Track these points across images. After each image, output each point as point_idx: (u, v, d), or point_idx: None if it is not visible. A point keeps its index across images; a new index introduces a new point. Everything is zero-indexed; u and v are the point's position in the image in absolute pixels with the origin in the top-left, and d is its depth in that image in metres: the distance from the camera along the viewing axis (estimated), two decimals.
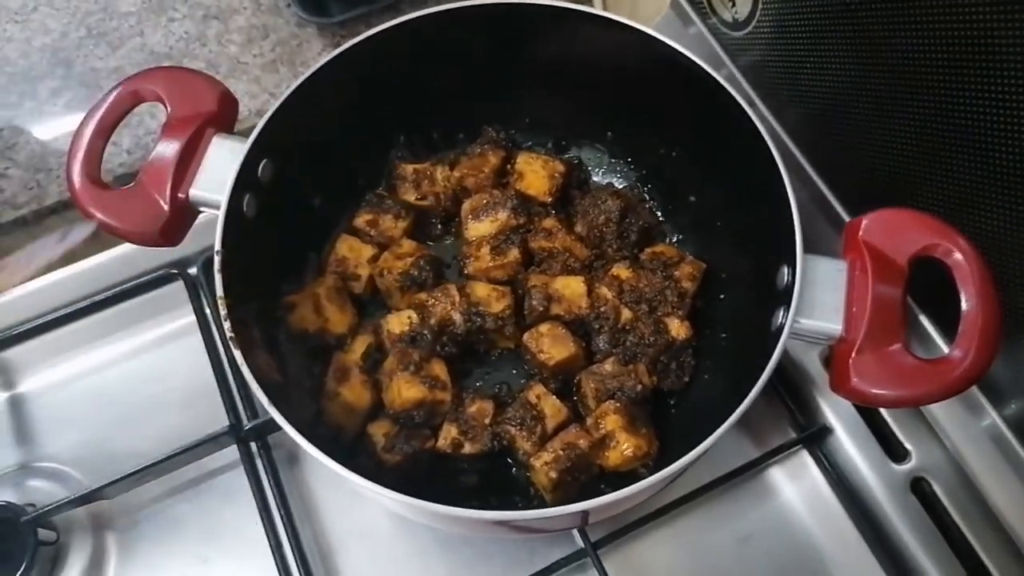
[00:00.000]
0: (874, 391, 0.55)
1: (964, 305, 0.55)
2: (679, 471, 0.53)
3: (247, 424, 0.72)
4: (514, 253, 0.71)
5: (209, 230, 0.76)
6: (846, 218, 0.73)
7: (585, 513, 0.54)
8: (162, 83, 0.62)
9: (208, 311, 0.79)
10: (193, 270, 0.80)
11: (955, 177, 0.65)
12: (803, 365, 0.77)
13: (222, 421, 0.73)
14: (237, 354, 0.54)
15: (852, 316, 0.56)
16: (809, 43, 0.74)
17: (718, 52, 0.84)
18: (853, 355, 0.55)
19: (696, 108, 0.67)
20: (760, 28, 0.77)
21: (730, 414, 0.54)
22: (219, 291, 0.56)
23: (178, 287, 0.80)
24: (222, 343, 0.77)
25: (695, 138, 0.71)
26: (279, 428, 0.70)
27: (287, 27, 1.03)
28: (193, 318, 0.78)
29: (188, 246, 0.80)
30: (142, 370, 0.79)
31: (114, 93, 0.61)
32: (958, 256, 0.56)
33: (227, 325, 0.55)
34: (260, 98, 0.98)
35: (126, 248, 0.82)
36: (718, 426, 0.53)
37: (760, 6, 0.76)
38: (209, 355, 0.76)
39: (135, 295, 0.80)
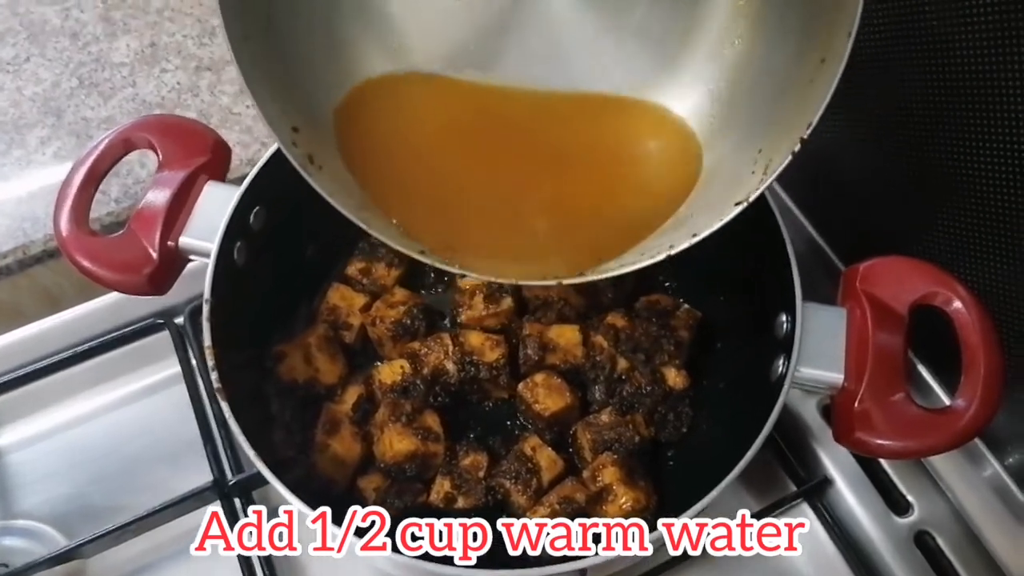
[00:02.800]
0: (878, 442, 0.54)
1: (966, 354, 0.54)
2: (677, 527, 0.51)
3: (231, 479, 0.70)
4: (507, 302, 0.70)
5: (197, 279, 0.75)
6: (842, 268, 0.73)
7: (583, 572, 0.52)
8: (154, 130, 0.61)
9: (194, 362, 0.77)
10: (180, 320, 0.79)
11: (949, 228, 0.66)
12: (801, 416, 0.76)
13: (207, 476, 0.70)
14: (224, 407, 0.53)
15: (853, 365, 0.56)
16: None
17: None
18: (856, 405, 0.55)
19: None
20: None
21: (729, 465, 0.52)
22: (207, 341, 0.55)
23: (163, 337, 0.78)
24: (207, 395, 0.75)
25: None
26: (264, 483, 0.68)
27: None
28: (178, 369, 0.77)
29: (175, 295, 0.79)
30: (124, 423, 0.77)
31: (106, 140, 0.60)
32: (958, 304, 0.56)
33: (214, 376, 0.54)
34: (252, 147, 0.98)
35: (110, 298, 0.81)
36: (718, 478, 0.52)
37: None
38: (194, 407, 0.74)
39: (119, 345, 0.78)
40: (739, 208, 0.48)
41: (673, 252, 0.49)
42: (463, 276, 0.58)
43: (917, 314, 0.58)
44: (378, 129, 0.53)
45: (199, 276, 0.77)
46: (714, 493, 0.52)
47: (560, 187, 0.53)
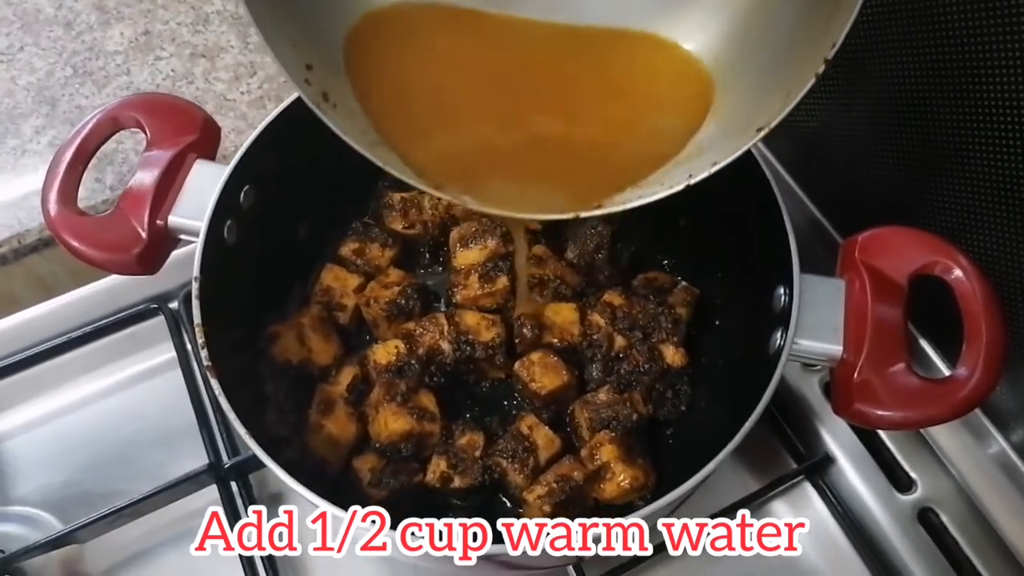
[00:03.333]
0: (878, 413, 0.53)
1: (967, 323, 0.53)
2: (678, 499, 0.51)
3: (227, 462, 0.69)
4: (503, 280, 0.69)
5: (191, 263, 0.75)
6: (840, 241, 0.72)
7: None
8: (142, 109, 0.61)
9: (189, 346, 0.76)
10: (174, 304, 0.78)
11: (947, 199, 0.65)
12: (802, 394, 0.75)
13: (203, 461, 0.70)
14: (215, 384, 0.52)
15: (852, 336, 0.55)
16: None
17: None
18: (855, 376, 0.54)
19: None
20: None
21: (729, 440, 0.51)
22: (196, 319, 0.54)
23: (158, 322, 0.78)
24: (203, 379, 0.74)
25: None
26: (260, 466, 0.68)
27: (274, 64, 1.02)
28: (173, 354, 0.76)
29: (169, 280, 0.79)
30: (119, 409, 0.77)
31: (93, 120, 0.60)
32: (959, 273, 0.55)
33: (204, 354, 0.53)
34: (246, 134, 0.95)
35: (105, 283, 0.81)
36: (717, 454, 0.51)
37: None
38: (189, 392, 0.74)
39: (114, 331, 0.78)
40: (761, 134, 0.46)
41: (693, 181, 0.48)
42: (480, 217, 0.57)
43: (917, 285, 0.57)
44: (389, 60, 0.52)
45: (192, 260, 0.77)
46: (715, 462, 0.51)
47: (574, 118, 0.53)
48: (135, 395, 0.78)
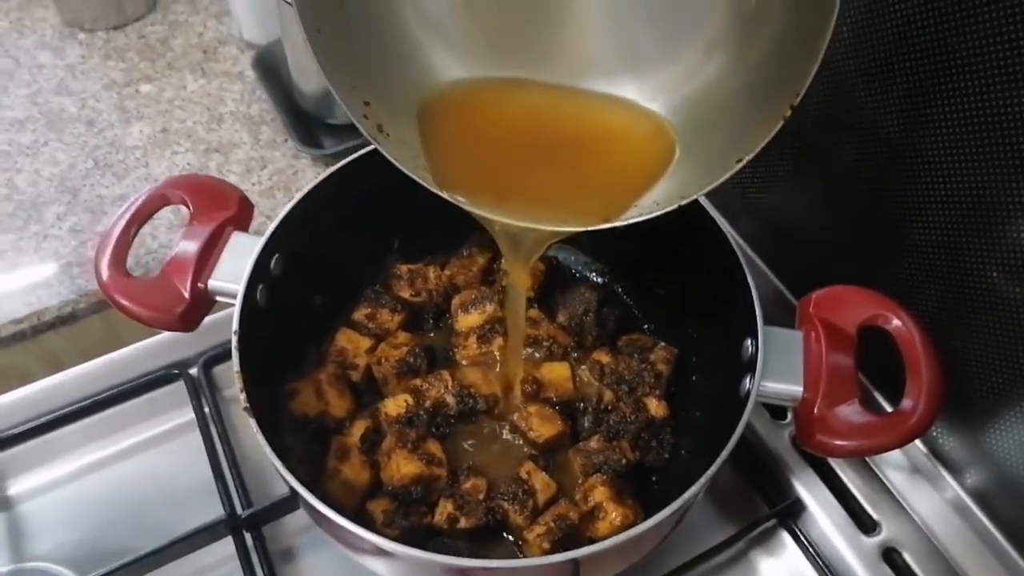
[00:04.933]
0: (837, 443, 0.61)
1: (908, 364, 0.62)
2: (668, 516, 0.57)
3: (243, 513, 0.74)
4: (498, 341, 0.77)
5: (210, 331, 0.82)
6: (795, 301, 0.81)
7: (575, 564, 0.57)
8: (187, 188, 0.69)
9: (207, 409, 0.82)
10: (194, 370, 0.84)
11: (890, 264, 0.75)
12: (773, 446, 0.82)
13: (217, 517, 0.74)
14: (252, 423, 0.58)
15: (811, 378, 0.63)
16: (754, 157, 0.85)
17: None
18: (815, 412, 0.62)
19: (663, 217, 0.75)
20: None
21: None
22: (236, 366, 0.61)
23: (177, 387, 0.83)
24: (219, 437, 0.79)
25: (661, 241, 0.79)
26: (275, 517, 0.73)
27: (284, 159, 1.12)
28: (190, 417, 0.81)
29: (188, 347, 0.86)
30: (137, 470, 0.81)
31: (144, 195, 0.68)
32: (898, 323, 0.64)
33: (243, 397, 0.60)
34: (258, 220, 1.05)
35: (125, 351, 0.86)
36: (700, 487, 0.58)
37: None
38: (207, 450, 0.79)
39: (135, 396, 0.83)
40: (739, 164, 0.53)
41: (684, 202, 0.55)
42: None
43: (864, 336, 0.66)
44: (447, 116, 0.63)
45: (212, 329, 0.83)
46: (687, 495, 0.58)
47: (575, 158, 0.63)
48: (151, 457, 0.82)
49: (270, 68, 1.17)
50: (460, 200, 0.58)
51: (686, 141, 0.59)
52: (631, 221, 0.56)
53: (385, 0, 0.59)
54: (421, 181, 0.57)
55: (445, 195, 0.58)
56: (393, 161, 0.56)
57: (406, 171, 0.56)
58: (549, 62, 0.63)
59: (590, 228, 0.57)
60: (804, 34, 0.50)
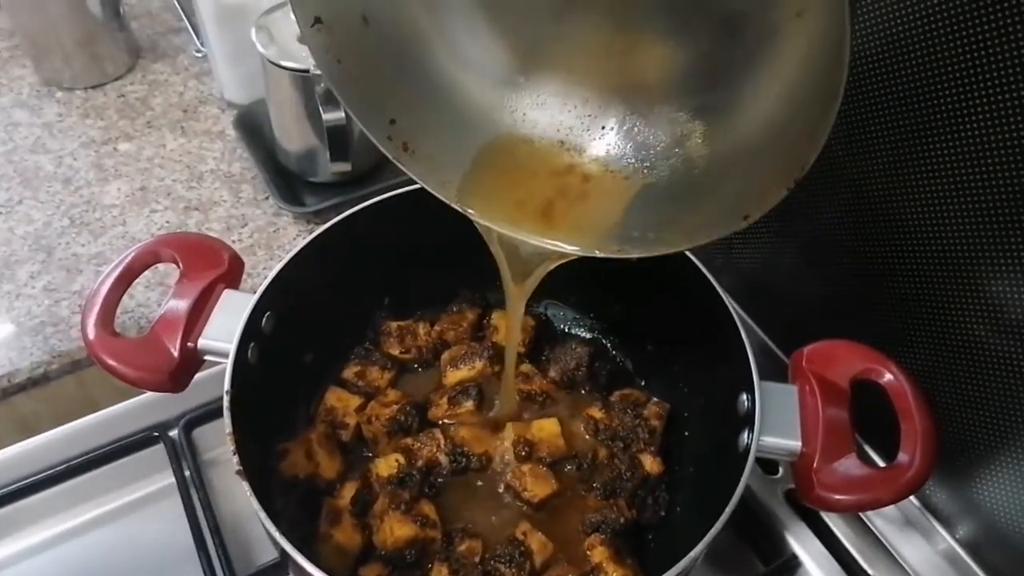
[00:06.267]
0: (837, 497, 0.61)
1: (902, 417, 0.63)
2: None
3: None
4: (468, 404, 0.76)
5: (191, 392, 0.79)
6: (784, 358, 0.82)
7: None
8: (177, 246, 0.68)
9: (187, 472, 0.79)
10: (174, 432, 0.82)
11: (875, 318, 0.76)
12: (767, 502, 0.81)
13: None
14: (245, 486, 0.57)
15: (808, 432, 0.63)
16: None
17: None
18: (814, 466, 0.62)
19: (651, 272, 0.76)
20: None
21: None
22: (227, 428, 0.59)
23: (157, 451, 0.81)
24: (201, 504, 0.77)
25: (650, 296, 0.80)
26: None
27: (264, 216, 1.11)
28: (171, 481, 0.79)
29: (168, 409, 0.83)
30: (114, 537, 0.78)
31: (133, 252, 0.66)
32: (890, 377, 0.65)
33: (235, 459, 0.58)
34: (247, 291, 1.04)
35: (102, 413, 0.84)
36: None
37: None
38: (188, 517, 0.76)
39: (112, 460, 0.80)
40: (746, 222, 0.54)
41: (668, 251, 0.58)
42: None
43: (856, 389, 0.66)
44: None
45: (191, 391, 0.81)
46: (693, 553, 0.57)
47: (578, 196, 0.65)
48: (129, 524, 0.79)
49: (252, 127, 1.17)
50: (471, 212, 0.61)
51: (682, 195, 0.60)
52: (617, 256, 0.59)
53: (412, 28, 0.61)
54: (438, 194, 0.60)
55: (457, 206, 0.61)
56: (416, 179, 0.59)
57: (429, 188, 0.59)
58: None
59: (585, 252, 0.60)
60: (805, 122, 0.51)
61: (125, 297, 0.97)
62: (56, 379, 0.96)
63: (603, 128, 0.63)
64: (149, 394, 0.85)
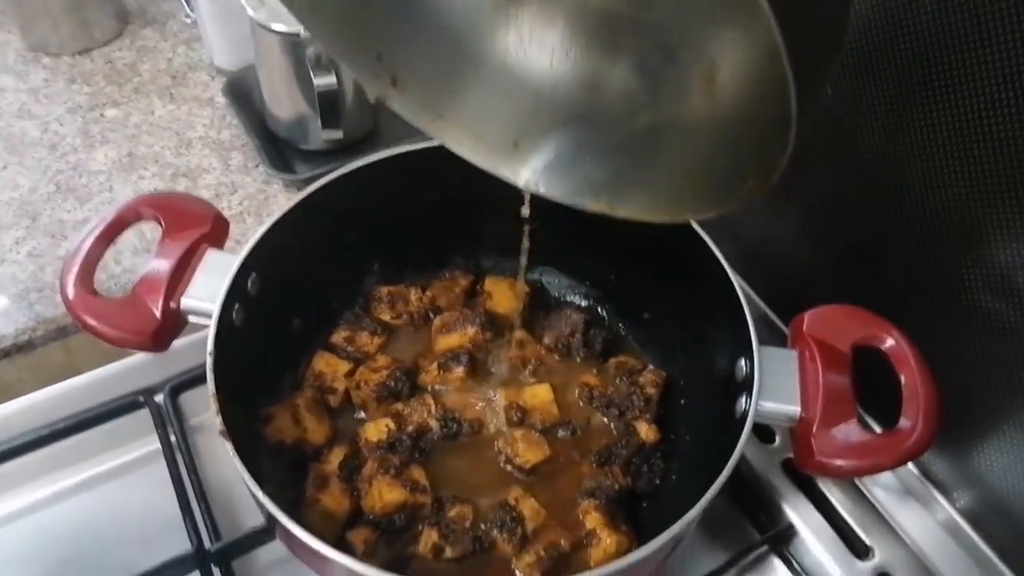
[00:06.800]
0: (836, 463, 0.59)
1: (904, 382, 0.61)
2: (666, 542, 0.55)
3: (211, 547, 0.69)
4: (459, 371, 0.75)
5: (178, 357, 0.78)
6: (785, 330, 0.80)
7: None
8: (159, 205, 0.66)
9: (174, 438, 0.78)
10: (159, 397, 0.80)
11: (873, 286, 0.74)
12: (763, 471, 0.80)
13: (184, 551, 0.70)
14: (228, 446, 0.55)
15: (808, 397, 0.62)
16: None
17: None
18: (814, 432, 0.60)
19: (649, 237, 0.75)
20: None
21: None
22: (211, 389, 0.58)
23: (142, 416, 0.79)
24: (187, 468, 0.75)
25: (647, 262, 0.78)
26: (247, 551, 0.70)
27: (254, 184, 1.09)
28: (156, 447, 0.77)
29: (154, 373, 0.82)
30: (98, 503, 0.76)
31: (115, 211, 0.64)
32: (892, 342, 0.63)
33: (218, 420, 0.56)
34: (228, 245, 1.02)
35: (85, 377, 0.82)
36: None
37: None
38: (173, 482, 0.74)
39: (96, 424, 0.78)
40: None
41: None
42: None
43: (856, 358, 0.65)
44: None
45: (178, 355, 0.80)
46: (687, 518, 0.56)
47: None
48: (113, 489, 0.77)
49: (241, 94, 1.15)
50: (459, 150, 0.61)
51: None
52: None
53: None
54: (427, 130, 0.59)
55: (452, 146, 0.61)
56: (406, 116, 0.58)
57: (419, 124, 0.58)
58: None
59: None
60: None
61: (112, 263, 0.97)
62: (42, 346, 0.94)
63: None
64: (134, 358, 0.83)
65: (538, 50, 0.62)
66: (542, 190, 0.62)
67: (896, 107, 0.65)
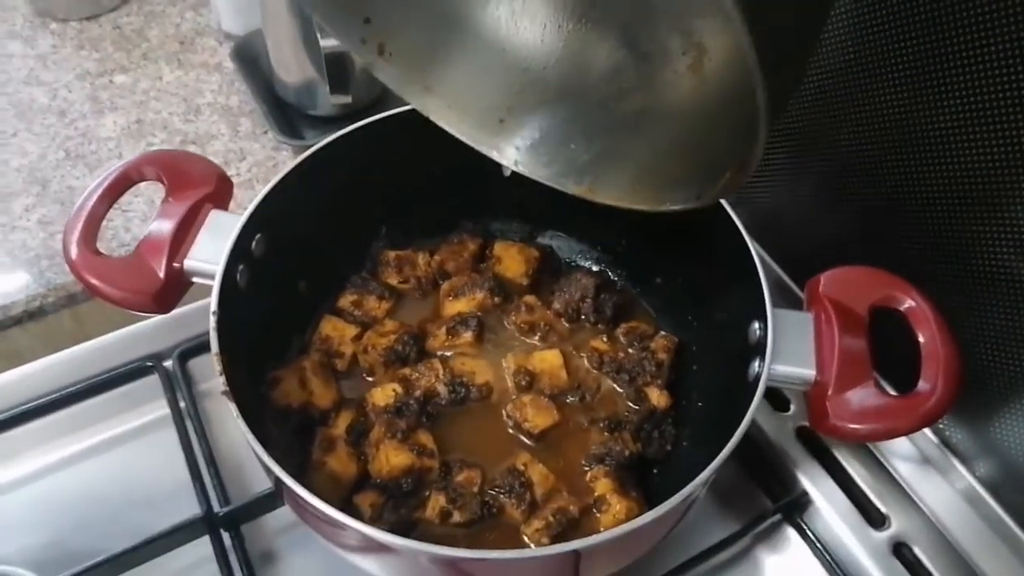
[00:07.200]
0: (851, 426, 0.58)
1: (924, 343, 0.59)
2: (675, 507, 0.54)
3: (220, 511, 0.69)
4: (467, 336, 0.74)
5: (187, 322, 0.78)
6: (800, 294, 0.79)
7: (576, 556, 0.53)
8: (162, 164, 0.65)
9: (183, 403, 0.77)
10: (169, 363, 0.80)
11: (888, 250, 0.72)
12: (778, 440, 0.79)
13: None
14: (232, 408, 0.54)
15: (823, 360, 0.60)
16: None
17: None
18: (829, 395, 0.59)
19: None
20: None
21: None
22: (214, 348, 0.57)
23: (151, 381, 0.79)
24: (196, 432, 0.75)
25: (659, 225, 0.76)
26: (256, 515, 0.69)
27: (263, 151, 1.08)
28: (165, 412, 0.77)
29: (163, 339, 0.82)
30: (108, 467, 0.76)
31: (117, 171, 0.63)
32: (911, 303, 0.61)
33: (221, 380, 0.56)
34: (236, 212, 1.02)
35: (95, 342, 0.82)
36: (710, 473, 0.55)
37: None
38: (183, 447, 0.74)
39: (106, 389, 0.78)
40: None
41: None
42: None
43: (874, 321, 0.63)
44: None
45: (187, 320, 0.79)
46: (697, 481, 0.55)
47: None
48: (123, 454, 0.77)
49: (249, 59, 1.13)
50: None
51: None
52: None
53: None
54: (413, 101, 0.58)
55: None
56: (393, 87, 0.57)
57: (403, 94, 0.57)
58: None
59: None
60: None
61: (122, 231, 0.97)
62: (52, 312, 0.94)
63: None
64: (143, 324, 0.83)
65: (530, 23, 0.60)
66: (524, 170, 0.61)
67: (915, 64, 0.62)
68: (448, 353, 0.74)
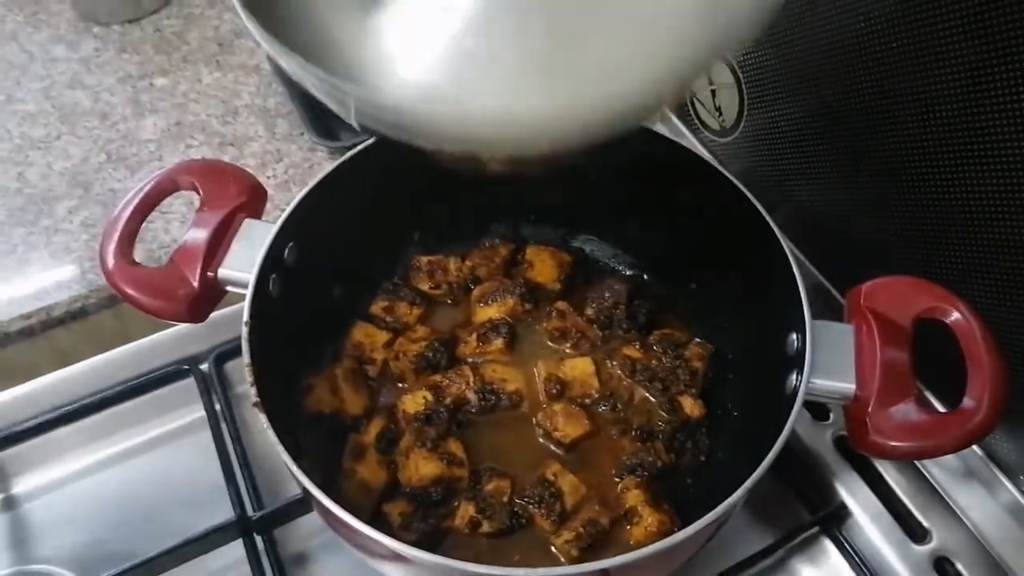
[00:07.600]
0: (893, 444, 0.56)
1: (970, 359, 0.57)
2: (710, 523, 0.53)
3: (254, 515, 0.70)
4: (498, 343, 0.73)
5: (223, 325, 0.78)
6: (840, 298, 0.76)
7: (606, 574, 0.52)
8: (197, 173, 0.66)
9: (218, 406, 0.78)
10: (205, 366, 0.81)
11: (935, 260, 0.69)
12: (816, 449, 0.77)
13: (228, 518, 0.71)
14: (263, 418, 0.55)
15: (864, 374, 0.58)
16: (794, 145, 0.80)
17: (708, 159, 0.90)
18: (869, 411, 0.57)
19: (696, 204, 0.71)
20: (746, 134, 0.84)
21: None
22: (246, 359, 0.57)
23: (188, 384, 0.80)
24: (231, 436, 0.76)
25: (695, 230, 0.75)
26: (288, 520, 0.70)
27: (300, 152, 1.09)
28: (200, 415, 0.78)
29: (200, 342, 0.82)
30: (145, 469, 0.78)
31: (152, 181, 0.64)
32: (957, 315, 0.59)
33: (253, 391, 0.56)
34: (273, 214, 1.02)
35: (133, 345, 0.83)
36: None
37: (745, 113, 0.83)
38: (218, 450, 0.75)
39: (143, 392, 0.79)
40: None
41: None
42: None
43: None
44: None
45: (223, 324, 0.80)
46: (732, 499, 0.53)
47: None
48: (160, 456, 0.79)
49: None
50: None
51: None
52: None
53: None
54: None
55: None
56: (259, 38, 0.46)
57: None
58: None
59: None
60: None
61: (162, 233, 0.98)
62: (94, 313, 0.96)
63: None
64: (181, 327, 0.84)
65: None
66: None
67: (972, 58, 0.59)
68: (479, 360, 0.73)
